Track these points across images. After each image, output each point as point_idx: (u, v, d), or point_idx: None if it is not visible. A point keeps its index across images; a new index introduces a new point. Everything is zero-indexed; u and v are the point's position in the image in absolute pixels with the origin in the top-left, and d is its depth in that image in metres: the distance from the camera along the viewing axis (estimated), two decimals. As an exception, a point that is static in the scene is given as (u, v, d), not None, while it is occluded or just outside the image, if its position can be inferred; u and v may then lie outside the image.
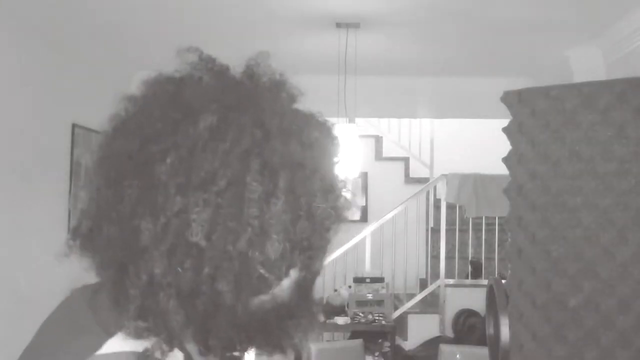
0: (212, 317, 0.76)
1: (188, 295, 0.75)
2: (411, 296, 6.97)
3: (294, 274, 0.84)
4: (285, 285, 0.84)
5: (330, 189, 0.85)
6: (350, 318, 5.92)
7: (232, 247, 0.74)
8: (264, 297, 0.82)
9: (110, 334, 0.78)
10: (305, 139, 0.84)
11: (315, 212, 0.80)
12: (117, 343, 0.78)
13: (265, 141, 0.79)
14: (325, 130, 0.89)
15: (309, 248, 0.82)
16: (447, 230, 7.04)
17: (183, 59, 0.87)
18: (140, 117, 0.84)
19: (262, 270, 0.76)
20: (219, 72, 0.87)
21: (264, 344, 0.84)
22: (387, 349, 6.02)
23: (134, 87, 0.85)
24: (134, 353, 0.77)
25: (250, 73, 0.88)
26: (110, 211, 0.78)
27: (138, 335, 0.76)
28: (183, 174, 0.75)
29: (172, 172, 0.76)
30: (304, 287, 0.87)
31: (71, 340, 0.81)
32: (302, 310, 0.88)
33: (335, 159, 0.89)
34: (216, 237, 0.74)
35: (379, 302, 5.99)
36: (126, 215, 0.76)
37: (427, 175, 7.94)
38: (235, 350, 0.82)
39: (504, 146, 2.41)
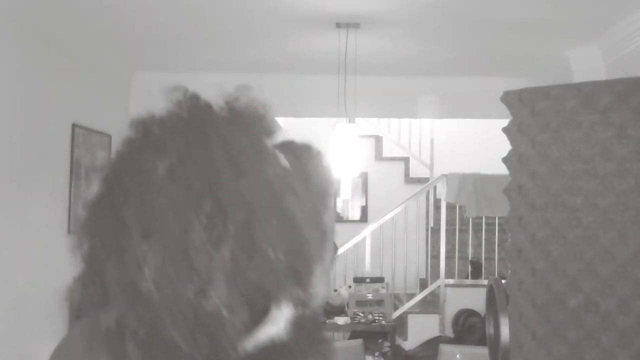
0: None
1: (147, 343, 0.74)
2: (411, 296, 6.97)
3: (287, 311, 0.80)
4: (282, 325, 0.81)
5: (293, 229, 0.78)
6: (350, 318, 5.92)
7: (181, 295, 0.73)
8: (259, 340, 0.80)
9: None
10: (265, 175, 0.78)
11: (275, 253, 0.75)
12: None
13: (217, 183, 0.76)
14: (300, 164, 0.83)
15: (298, 283, 0.79)
16: (447, 230, 7.04)
17: (169, 97, 0.84)
18: (116, 160, 0.82)
19: (218, 319, 0.73)
20: (195, 109, 0.83)
21: None
22: (387, 349, 6.02)
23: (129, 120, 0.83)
24: None
25: (228, 108, 0.84)
26: (91, 257, 0.79)
27: None
28: (142, 218, 0.75)
29: (134, 215, 0.75)
30: (306, 325, 0.83)
31: None
32: (307, 352, 0.83)
33: (320, 188, 0.83)
34: (164, 283, 0.73)
35: (379, 302, 5.99)
36: (98, 260, 0.77)
37: (427, 175, 7.94)
38: None
39: (504, 146, 2.41)
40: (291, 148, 0.85)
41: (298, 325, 0.82)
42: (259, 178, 0.78)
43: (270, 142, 0.83)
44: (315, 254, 0.81)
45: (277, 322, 0.80)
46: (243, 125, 0.82)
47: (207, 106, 0.83)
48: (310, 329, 0.84)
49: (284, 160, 0.82)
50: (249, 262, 0.74)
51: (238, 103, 0.83)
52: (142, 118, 0.82)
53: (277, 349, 0.81)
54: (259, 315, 0.77)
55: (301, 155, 0.85)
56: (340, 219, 8.01)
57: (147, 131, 0.81)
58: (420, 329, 6.77)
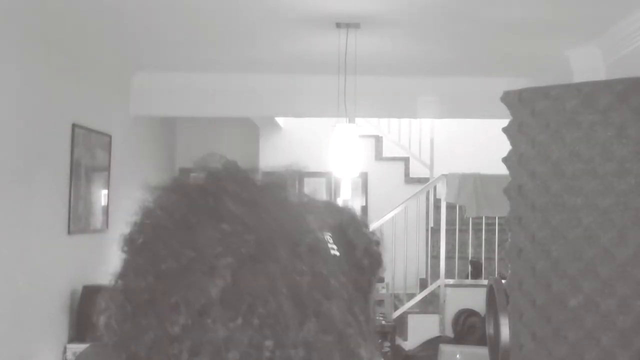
0: None
1: None
2: (411, 296, 6.97)
3: None
4: None
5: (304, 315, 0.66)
6: (350, 318, 5.92)
7: None
8: None
9: None
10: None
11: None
12: None
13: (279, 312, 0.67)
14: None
15: None
16: (447, 230, 7.03)
17: (203, 164, 0.75)
18: (153, 241, 0.72)
19: None
20: (242, 195, 0.73)
21: None
22: (387, 349, 6.02)
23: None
24: None
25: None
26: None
27: None
28: (191, 338, 0.66)
29: (182, 332, 0.67)
30: None
31: None
32: None
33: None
34: None
35: (379, 302, 5.99)
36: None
37: (427, 175, 7.94)
38: None
39: (504, 146, 2.41)
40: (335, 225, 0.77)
41: None
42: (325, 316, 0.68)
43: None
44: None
45: None
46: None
47: (253, 185, 0.76)
48: None
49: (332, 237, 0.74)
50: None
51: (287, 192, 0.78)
52: (185, 187, 0.74)
53: None
54: None
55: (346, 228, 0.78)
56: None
57: (190, 217, 0.71)
58: (420, 329, 6.77)
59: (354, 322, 0.69)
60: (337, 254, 0.73)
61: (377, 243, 0.80)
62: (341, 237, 0.76)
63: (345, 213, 0.81)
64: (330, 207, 0.83)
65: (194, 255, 0.67)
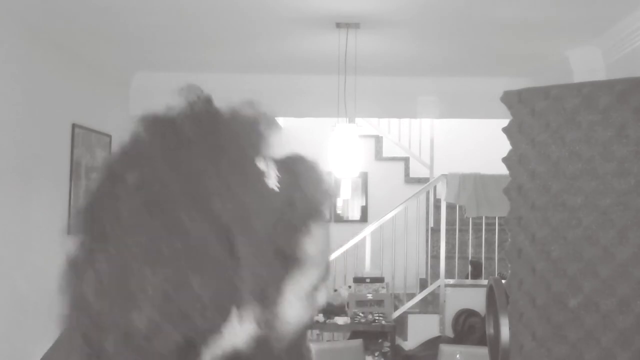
0: None
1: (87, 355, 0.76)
2: (411, 296, 6.97)
3: (250, 328, 0.80)
4: (244, 339, 0.81)
5: (262, 250, 0.77)
6: (350, 318, 5.92)
7: (116, 306, 0.74)
8: (226, 350, 0.81)
9: None
10: (247, 195, 0.78)
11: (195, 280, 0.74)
12: None
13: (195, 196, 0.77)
14: (296, 180, 0.81)
15: (261, 303, 0.78)
16: (447, 230, 7.04)
17: (183, 95, 0.83)
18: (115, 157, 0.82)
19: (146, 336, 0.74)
20: (204, 116, 0.82)
21: None
22: (387, 349, 6.02)
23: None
24: None
25: (232, 120, 0.83)
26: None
27: None
28: (107, 221, 0.76)
29: (104, 217, 0.77)
30: (265, 346, 0.82)
31: None
32: None
33: (314, 205, 0.81)
34: (104, 291, 0.74)
35: (379, 302, 5.99)
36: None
37: (427, 175, 7.94)
38: None
39: (504, 146, 2.41)
40: (286, 164, 0.84)
41: (261, 344, 0.82)
42: (241, 197, 0.76)
43: (263, 158, 0.82)
44: (288, 276, 0.81)
45: (239, 336, 0.81)
46: (239, 140, 0.81)
47: (215, 113, 0.83)
48: (268, 350, 0.83)
49: (278, 176, 0.81)
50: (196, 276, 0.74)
51: (242, 117, 0.83)
52: (153, 118, 0.81)
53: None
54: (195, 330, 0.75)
55: (296, 171, 0.84)
56: (340, 219, 8.01)
57: (154, 131, 0.80)
58: (420, 329, 6.77)
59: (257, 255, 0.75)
60: (277, 186, 0.79)
61: (320, 181, 0.86)
62: (287, 171, 0.82)
63: (301, 159, 0.88)
64: (291, 155, 0.89)
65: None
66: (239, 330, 0.81)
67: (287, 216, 0.79)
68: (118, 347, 0.74)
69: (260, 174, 0.80)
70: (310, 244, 0.83)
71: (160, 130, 0.80)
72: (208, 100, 0.84)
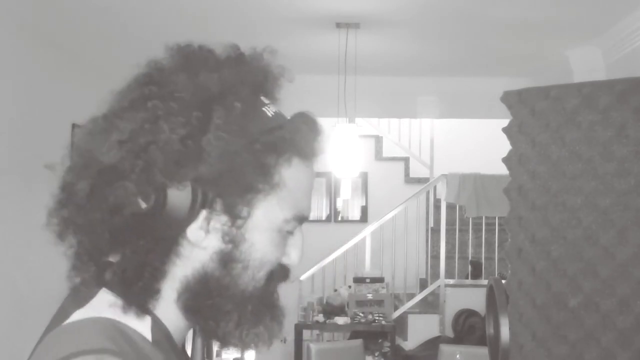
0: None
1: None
2: (411, 296, 6.97)
3: (215, 242, 0.83)
4: (209, 253, 0.83)
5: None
6: (350, 318, 5.92)
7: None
8: (195, 267, 0.84)
9: None
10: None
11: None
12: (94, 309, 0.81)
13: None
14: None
15: (225, 210, 0.82)
16: (447, 230, 7.04)
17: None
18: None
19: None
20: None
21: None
22: (387, 349, 6.02)
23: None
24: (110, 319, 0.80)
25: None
26: None
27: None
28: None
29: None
30: (230, 267, 0.84)
31: None
32: (218, 294, 0.84)
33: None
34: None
35: (379, 302, 5.99)
36: None
37: (427, 175, 7.94)
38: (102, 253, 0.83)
39: (504, 146, 2.41)
40: (285, 114, 0.92)
41: (225, 263, 0.84)
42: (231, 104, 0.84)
43: (268, 95, 0.91)
44: (257, 193, 0.83)
45: (204, 244, 0.83)
46: (251, 73, 0.90)
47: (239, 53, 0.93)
48: (230, 270, 0.84)
49: (277, 112, 0.89)
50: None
51: (259, 58, 0.93)
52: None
53: (209, 280, 0.84)
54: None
55: (294, 115, 0.92)
56: (340, 219, 8.01)
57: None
58: (420, 329, 6.77)
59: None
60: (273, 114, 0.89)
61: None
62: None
63: (301, 112, 0.95)
64: None
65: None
66: (205, 238, 0.83)
67: (273, 137, 0.84)
68: (85, 191, 0.82)
69: (261, 103, 0.87)
70: (289, 176, 0.86)
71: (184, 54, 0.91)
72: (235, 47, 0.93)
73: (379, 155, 8.23)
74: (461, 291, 6.87)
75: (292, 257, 0.91)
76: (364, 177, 7.89)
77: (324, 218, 7.82)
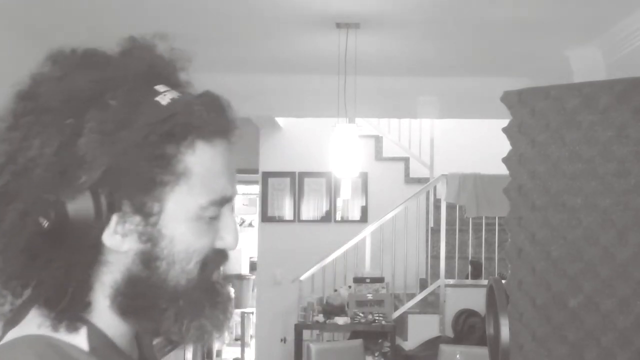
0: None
1: None
2: (411, 296, 6.97)
3: (133, 243, 0.82)
4: (130, 257, 0.82)
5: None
6: (350, 318, 5.92)
7: None
8: (121, 270, 0.83)
9: None
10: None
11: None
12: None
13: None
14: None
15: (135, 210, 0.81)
16: (447, 230, 7.04)
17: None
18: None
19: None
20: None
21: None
22: (387, 349, 6.02)
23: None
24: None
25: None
26: None
27: None
28: None
29: None
30: (154, 266, 0.82)
31: None
32: (142, 291, 0.83)
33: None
34: None
35: (379, 302, 5.99)
36: None
37: (427, 175, 7.94)
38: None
39: (504, 146, 2.41)
40: (193, 92, 0.89)
41: (148, 262, 0.82)
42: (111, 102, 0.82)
43: (164, 83, 0.86)
44: (163, 186, 0.82)
45: (124, 248, 0.82)
46: (135, 66, 0.88)
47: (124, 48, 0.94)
48: (169, 275, 0.83)
49: (176, 97, 0.84)
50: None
51: (145, 49, 0.91)
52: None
53: (137, 282, 0.83)
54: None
55: (197, 94, 0.88)
56: (340, 219, 8.01)
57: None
58: (420, 329, 6.77)
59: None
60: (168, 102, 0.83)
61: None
62: None
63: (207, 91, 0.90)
64: None
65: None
66: (122, 241, 0.82)
67: (166, 125, 0.81)
68: None
69: (153, 93, 0.83)
70: (195, 161, 0.83)
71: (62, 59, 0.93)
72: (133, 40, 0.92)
73: (379, 155, 8.23)
74: (461, 291, 6.87)
75: (227, 241, 0.88)
76: (364, 177, 7.89)
77: (324, 218, 7.82)
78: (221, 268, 0.90)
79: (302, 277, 6.56)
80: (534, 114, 2.19)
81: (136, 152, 0.79)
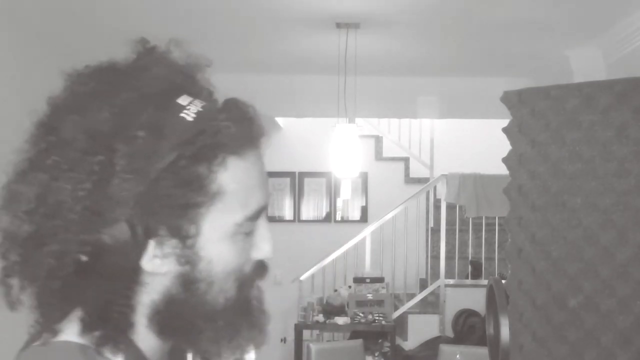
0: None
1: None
2: (411, 296, 6.97)
3: (172, 265, 0.81)
4: (169, 279, 0.82)
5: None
6: (350, 318, 5.92)
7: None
8: (156, 289, 0.83)
9: None
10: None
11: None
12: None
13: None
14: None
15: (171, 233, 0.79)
16: (447, 230, 7.04)
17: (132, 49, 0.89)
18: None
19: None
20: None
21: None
22: (387, 349, 6.02)
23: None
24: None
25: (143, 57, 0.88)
26: None
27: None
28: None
29: None
30: (193, 287, 0.82)
31: None
32: (181, 316, 0.83)
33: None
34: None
35: (379, 302, 5.99)
36: None
37: (427, 175, 7.94)
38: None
39: (504, 146, 2.41)
40: (217, 102, 0.87)
41: (187, 284, 0.82)
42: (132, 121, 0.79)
43: (187, 95, 0.83)
44: (198, 208, 0.80)
45: (163, 270, 0.81)
46: (157, 81, 0.83)
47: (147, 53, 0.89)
48: (208, 296, 0.82)
49: (201, 110, 0.82)
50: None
51: (166, 60, 0.88)
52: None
53: (175, 303, 0.82)
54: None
55: (223, 105, 0.86)
56: (340, 219, 8.01)
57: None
58: (420, 329, 6.77)
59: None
60: (193, 117, 0.80)
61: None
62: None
63: (233, 99, 0.89)
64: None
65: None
66: (161, 264, 0.81)
67: (195, 147, 0.78)
68: (19, 263, 0.80)
69: (177, 109, 0.80)
70: (228, 178, 0.81)
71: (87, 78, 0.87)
72: (145, 46, 0.89)
73: (379, 155, 8.23)
74: (461, 291, 6.87)
75: (264, 251, 0.87)
76: (364, 177, 7.89)
77: (324, 218, 7.82)
78: (258, 282, 0.89)
79: (302, 277, 6.56)
80: (534, 114, 2.19)
81: (168, 179, 0.77)
